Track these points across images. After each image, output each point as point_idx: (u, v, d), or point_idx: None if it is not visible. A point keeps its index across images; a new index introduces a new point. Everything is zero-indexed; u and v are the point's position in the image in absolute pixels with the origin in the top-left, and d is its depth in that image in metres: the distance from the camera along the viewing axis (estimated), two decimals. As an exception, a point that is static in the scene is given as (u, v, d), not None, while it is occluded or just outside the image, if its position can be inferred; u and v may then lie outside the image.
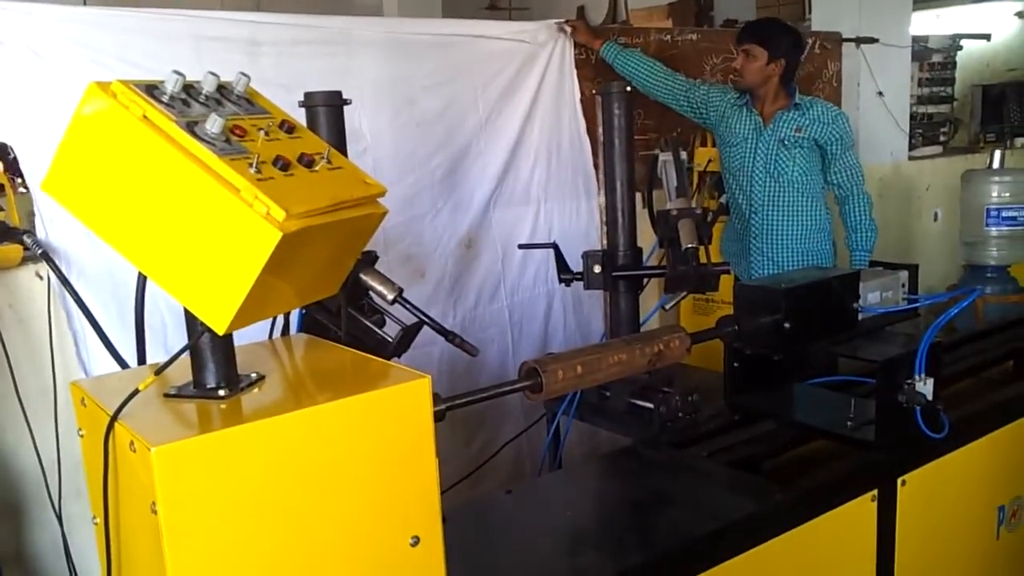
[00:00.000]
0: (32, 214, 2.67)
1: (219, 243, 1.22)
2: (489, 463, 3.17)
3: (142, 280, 1.42)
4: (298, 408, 1.33)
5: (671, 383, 2.43)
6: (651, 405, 2.35)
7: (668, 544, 1.82)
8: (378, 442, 1.36)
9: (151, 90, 1.27)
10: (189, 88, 1.33)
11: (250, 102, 1.43)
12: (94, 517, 1.56)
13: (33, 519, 2.81)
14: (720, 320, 2.19)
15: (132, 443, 1.26)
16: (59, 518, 2.62)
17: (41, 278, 2.74)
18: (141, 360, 1.55)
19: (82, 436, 1.59)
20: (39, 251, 2.55)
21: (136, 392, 1.37)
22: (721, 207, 3.73)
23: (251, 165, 1.24)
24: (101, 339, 2.55)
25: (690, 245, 2.26)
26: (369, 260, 1.87)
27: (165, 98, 1.27)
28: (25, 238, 2.55)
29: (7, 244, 2.59)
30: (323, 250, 1.41)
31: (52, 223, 2.64)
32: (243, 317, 1.30)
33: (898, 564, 2.20)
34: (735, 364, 2.40)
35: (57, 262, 2.66)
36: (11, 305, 2.71)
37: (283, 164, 1.30)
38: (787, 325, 2.14)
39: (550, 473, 2.47)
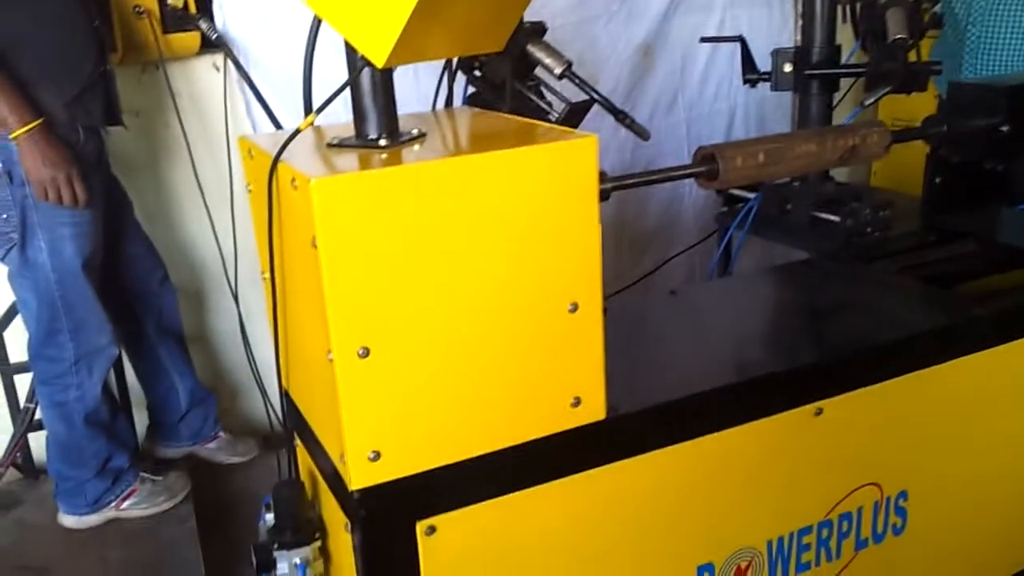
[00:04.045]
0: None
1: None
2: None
3: (315, 24, 1.37)
4: (459, 155, 1.27)
5: (860, 198, 2.22)
6: (837, 218, 2.16)
7: (847, 349, 1.69)
8: (540, 200, 1.29)
9: None
10: None
11: None
12: (263, 273, 1.59)
13: (213, 304, 2.98)
14: (927, 120, 1.95)
15: (293, 180, 1.24)
16: (236, 299, 2.75)
17: (218, 70, 2.78)
18: (308, 110, 1.52)
19: (250, 191, 1.61)
20: (215, 36, 2.57)
21: (297, 131, 1.36)
22: (934, 18, 3.31)
23: None
24: (275, 127, 2.60)
25: (899, 36, 1.99)
26: (537, 31, 1.75)
27: None
28: (202, 24, 2.57)
29: (185, 31, 2.62)
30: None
31: (228, 11, 2.65)
32: (401, 53, 1.24)
33: (1106, 402, 1.98)
34: (937, 179, 2.16)
35: (234, 52, 2.69)
36: (190, 95, 2.78)
37: None
38: (1005, 129, 1.88)
39: (719, 279, 2.35)
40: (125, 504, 2.45)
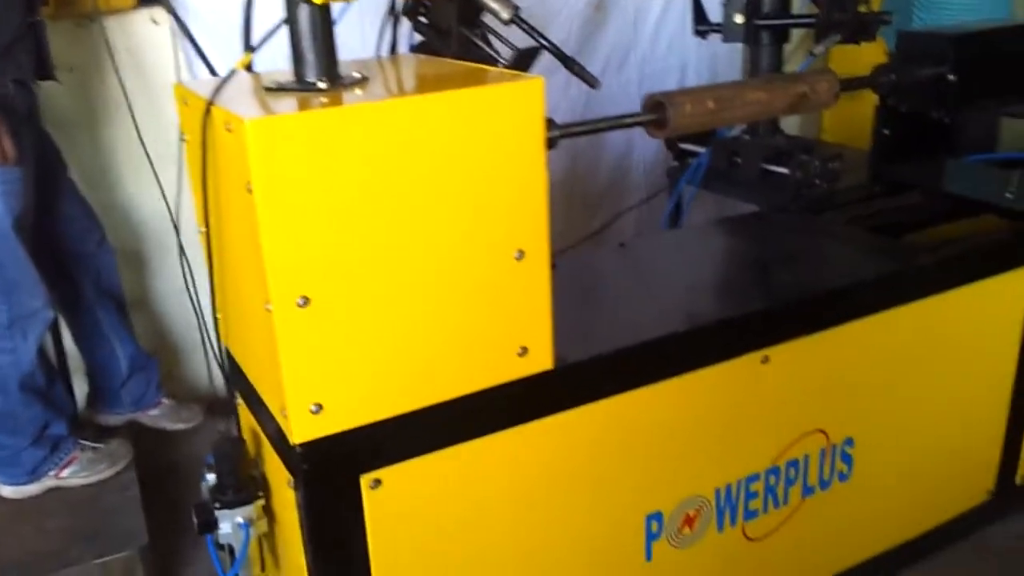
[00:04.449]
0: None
1: None
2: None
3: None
4: (402, 97, 1.23)
5: (809, 151, 2.21)
6: (786, 171, 2.16)
7: (793, 297, 1.68)
8: (485, 144, 1.26)
9: None
10: None
11: None
12: (199, 227, 1.54)
13: (154, 267, 2.89)
14: (876, 68, 1.94)
15: (228, 123, 1.19)
16: (182, 251, 2.65)
17: (156, 23, 2.68)
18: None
19: (186, 141, 1.55)
20: (152, -11, 2.47)
21: (233, 72, 1.30)
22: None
23: None
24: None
25: (850, -13, 1.98)
26: (484, -25, 1.70)
27: None
28: (138, -26, 2.46)
29: (120, -16, 2.51)
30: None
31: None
32: (341, -13, 1.19)
33: (1046, 350, 2.02)
34: (885, 131, 2.17)
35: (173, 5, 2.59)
36: (128, 50, 2.67)
37: None
38: (952, 78, 1.88)
39: (668, 231, 2.34)
40: (65, 473, 2.38)
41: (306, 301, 1.20)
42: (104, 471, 2.41)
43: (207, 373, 2.80)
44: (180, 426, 2.75)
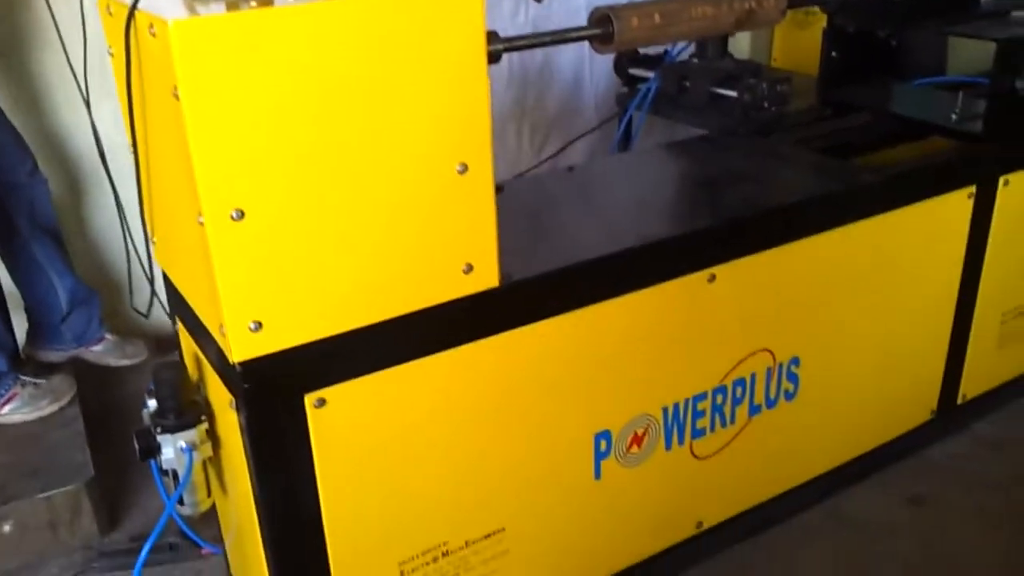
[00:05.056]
0: None
1: None
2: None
3: None
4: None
5: (758, 74, 2.19)
6: (734, 93, 2.14)
7: (739, 215, 1.68)
8: (424, 51, 1.22)
9: None
10: None
11: None
12: (130, 147, 1.48)
13: (92, 199, 2.80)
14: (824, -15, 1.93)
15: (151, 26, 1.14)
16: (113, 186, 2.58)
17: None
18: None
19: (112, 55, 1.48)
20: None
21: (155, -26, 1.24)
22: None
23: None
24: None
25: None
26: None
27: None
28: None
29: None
30: None
31: None
32: None
33: (986, 269, 2.06)
34: (833, 53, 2.16)
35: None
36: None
37: None
38: (899, -6, 1.88)
39: (616, 154, 2.32)
40: (6, 409, 2.33)
41: (240, 214, 1.17)
42: (46, 407, 2.37)
43: (148, 302, 2.74)
44: (125, 362, 2.70)
